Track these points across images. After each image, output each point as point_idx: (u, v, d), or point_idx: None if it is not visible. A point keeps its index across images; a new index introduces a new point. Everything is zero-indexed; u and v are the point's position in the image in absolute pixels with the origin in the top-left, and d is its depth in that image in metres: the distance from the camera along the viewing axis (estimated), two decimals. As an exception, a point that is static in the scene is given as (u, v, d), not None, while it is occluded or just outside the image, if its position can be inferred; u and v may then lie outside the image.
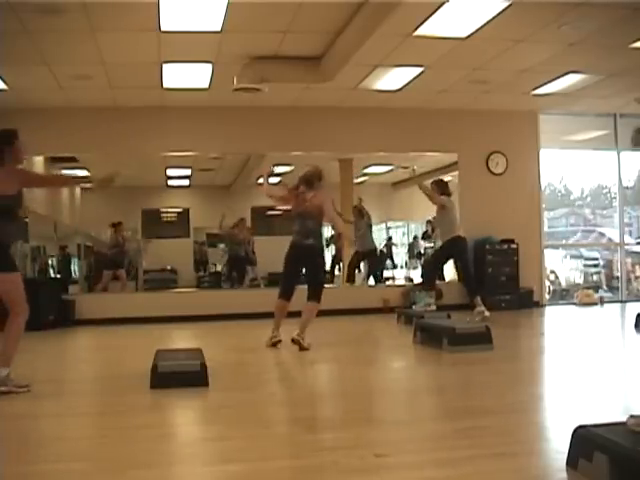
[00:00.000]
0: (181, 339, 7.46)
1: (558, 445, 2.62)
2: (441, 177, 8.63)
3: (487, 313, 7.62)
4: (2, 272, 4.15)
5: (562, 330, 8.09)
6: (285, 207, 6.46)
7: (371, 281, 10.91)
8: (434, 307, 7.82)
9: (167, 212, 13.71)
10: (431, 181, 8.23)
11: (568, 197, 15.49)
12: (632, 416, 2.35)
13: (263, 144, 9.83)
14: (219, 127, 9.51)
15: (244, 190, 14.41)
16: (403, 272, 13.88)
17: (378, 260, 11.02)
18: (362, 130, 9.73)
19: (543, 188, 10.83)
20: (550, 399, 3.99)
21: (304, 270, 6.19)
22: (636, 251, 12.15)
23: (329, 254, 14.59)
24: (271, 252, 12.20)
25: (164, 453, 2.86)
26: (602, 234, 13.07)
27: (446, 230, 7.96)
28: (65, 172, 13.05)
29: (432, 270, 8.47)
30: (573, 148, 11.47)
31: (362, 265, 11.01)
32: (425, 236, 12.36)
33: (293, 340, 5.86)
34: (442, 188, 7.98)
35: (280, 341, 6.01)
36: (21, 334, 4.27)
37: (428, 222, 11.94)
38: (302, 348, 5.80)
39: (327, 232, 14.41)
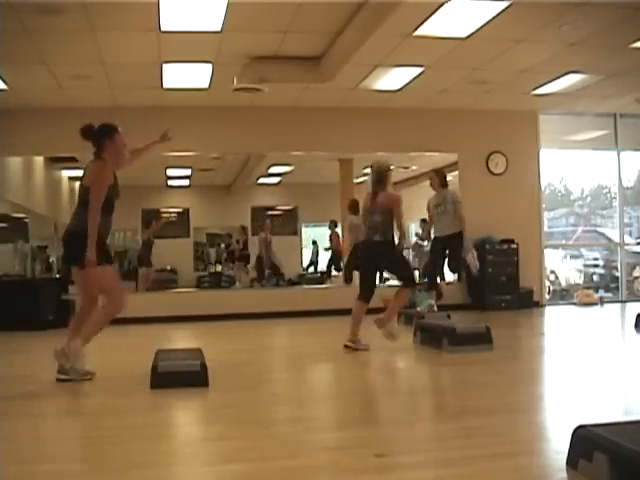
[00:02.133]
0: (181, 339, 7.46)
1: (558, 445, 2.62)
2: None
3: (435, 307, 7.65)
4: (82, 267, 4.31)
5: (562, 330, 8.09)
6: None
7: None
8: (435, 308, 7.76)
9: (167, 212, 13.72)
10: (431, 170, 8.01)
11: (568, 197, 15.47)
12: None
13: (263, 144, 9.82)
14: (219, 127, 9.50)
15: (244, 190, 14.42)
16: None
17: None
18: (362, 130, 9.73)
19: (543, 188, 10.83)
20: (550, 399, 3.99)
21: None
22: (636, 251, 12.16)
23: (327, 255, 14.65)
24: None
25: (164, 453, 2.86)
26: (602, 234, 13.07)
27: (447, 225, 7.69)
28: (67, 172, 13.10)
29: (433, 270, 8.32)
30: (573, 148, 11.48)
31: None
32: (421, 237, 12.30)
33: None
34: (442, 179, 7.68)
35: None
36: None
37: (423, 221, 11.86)
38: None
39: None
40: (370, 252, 5.97)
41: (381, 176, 5.95)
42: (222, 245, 14.13)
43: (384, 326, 5.92)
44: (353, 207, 10.54)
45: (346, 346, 5.77)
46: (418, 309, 7.75)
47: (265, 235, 12.37)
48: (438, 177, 7.68)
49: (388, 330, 5.91)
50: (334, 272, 12.72)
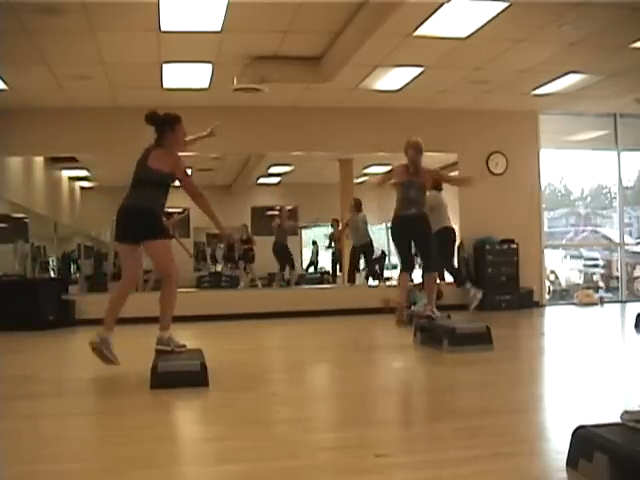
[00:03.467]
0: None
1: (558, 445, 2.62)
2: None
3: (479, 295, 7.66)
4: (156, 239, 4.57)
5: (562, 330, 8.09)
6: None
7: (371, 281, 10.91)
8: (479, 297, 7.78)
9: (167, 212, 13.69)
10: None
11: (568, 197, 15.47)
12: (626, 411, 2.36)
13: (263, 144, 9.82)
14: (219, 127, 9.48)
15: (244, 190, 14.42)
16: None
17: (373, 253, 10.99)
18: (362, 130, 9.72)
19: (543, 188, 10.83)
20: (550, 399, 3.99)
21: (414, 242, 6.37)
22: (636, 251, 12.15)
23: (329, 254, 14.64)
24: (271, 252, 12.26)
25: (164, 453, 2.86)
26: (602, 234, 13.07)
27: (435, 220, 7.86)
28: (67, 172, 13.09)
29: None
30: (573, 148, 11.47)
31: (362, 262, 11.00)
32: None
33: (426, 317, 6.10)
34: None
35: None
36: (175, 296, 4.68)
37: None
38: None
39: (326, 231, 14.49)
40: (406, 225, 6.19)
41: (419, 152, 6.19)
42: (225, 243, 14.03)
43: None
44: (357, 205, 10.56)
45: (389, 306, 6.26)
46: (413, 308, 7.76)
47: (280, 222, 12.26)
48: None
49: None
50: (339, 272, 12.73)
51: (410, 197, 6.14)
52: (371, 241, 10.80)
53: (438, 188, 8.03)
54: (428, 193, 7.74)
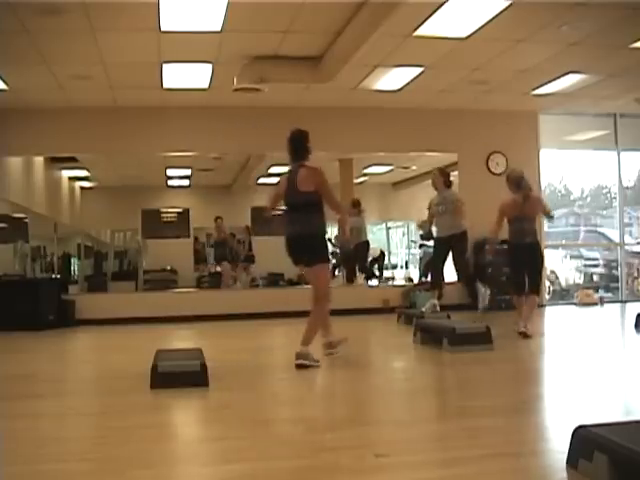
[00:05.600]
0: (181, 339, 7.46)
1: (558, 445, 2.61)
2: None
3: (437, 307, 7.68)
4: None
5: (562, 330, 8.09)
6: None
7: (373, 282, 10.90)
8: (438, 308, 7.70)
9: (167, 212, 13.71)
10: (435, 169, 8.10)
11: (568, 197, 15.49)
12: None
13: (263, 144, 9.82)
14: (219, 127, 9.51)
15: (244, 190, 14.41)
16: (403, 272, 13.87)
17: (366, 253, 11.00)
18: (362, 130, 9.73)
19: (543, 188, 10.82)
20: (550, 399, 3.99)
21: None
22: (636, 251, 12.15)
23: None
24: (271, 252, 12.26)
25: (164, 453, 2.86)
26: (602, 234, 13.08)
27: (448, 225, 7.79)
28: (67, 172, 13.09)
29: (436, 270, 8.24)
30: (573, 148, 11.48)
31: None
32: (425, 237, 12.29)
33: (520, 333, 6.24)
34: (446, 177, 7.79)
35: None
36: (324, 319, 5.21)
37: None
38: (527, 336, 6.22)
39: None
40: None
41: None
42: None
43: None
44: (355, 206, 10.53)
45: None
46: (423, 309, 7.69)
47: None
48: (443, 176, 7.71)
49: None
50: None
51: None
52: (367, 241, 10.77)
53: (450, 185, 7.82)
54: (450, 191, 7.76)
